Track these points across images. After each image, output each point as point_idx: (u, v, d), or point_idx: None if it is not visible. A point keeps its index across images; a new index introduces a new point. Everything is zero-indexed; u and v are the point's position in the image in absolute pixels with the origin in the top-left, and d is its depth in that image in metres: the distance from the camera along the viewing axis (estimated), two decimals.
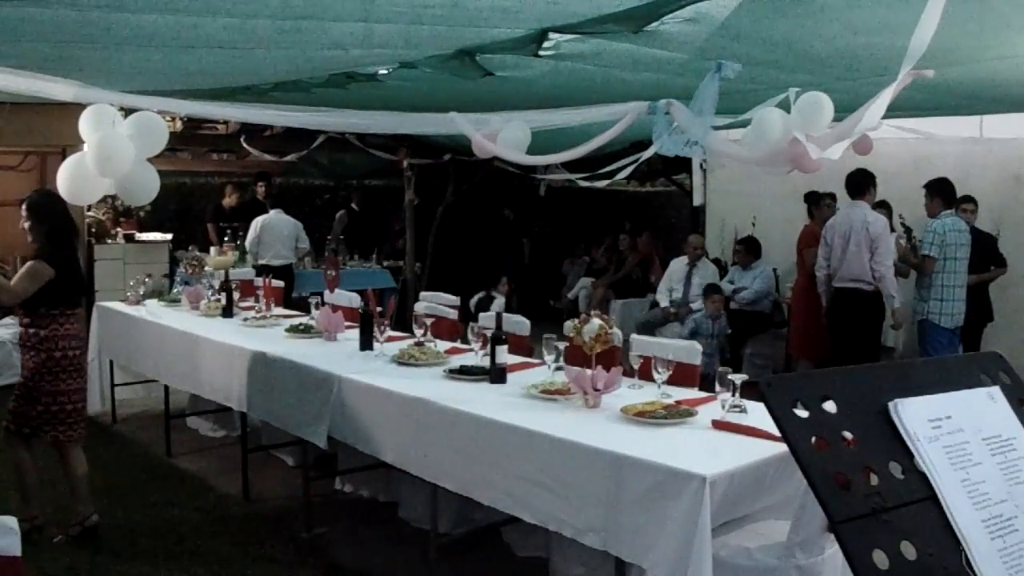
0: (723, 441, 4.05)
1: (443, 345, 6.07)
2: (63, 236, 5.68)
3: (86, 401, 5.82)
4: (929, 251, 8.06)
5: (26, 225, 5.65)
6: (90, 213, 12.43)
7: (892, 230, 8.66)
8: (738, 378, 4.44)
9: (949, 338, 8.12)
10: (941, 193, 8.20)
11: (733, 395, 4.42)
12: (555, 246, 16.54)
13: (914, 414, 1.98)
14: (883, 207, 8.96)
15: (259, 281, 8.57)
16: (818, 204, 9.52)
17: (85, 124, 5.62)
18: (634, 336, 5.63)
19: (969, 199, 8.68)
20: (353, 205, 14.27)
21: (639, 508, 3.70)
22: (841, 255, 8.13)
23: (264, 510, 6.26)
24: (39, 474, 5.82)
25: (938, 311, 8.05)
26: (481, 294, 10.79)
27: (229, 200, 12.88)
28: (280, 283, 9.00)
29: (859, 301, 8.07)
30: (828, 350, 8.50)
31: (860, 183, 8.14)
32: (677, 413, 4.34)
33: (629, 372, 5.01)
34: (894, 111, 4.10)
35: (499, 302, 10.94)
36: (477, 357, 5.47)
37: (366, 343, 6.08)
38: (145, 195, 6.08)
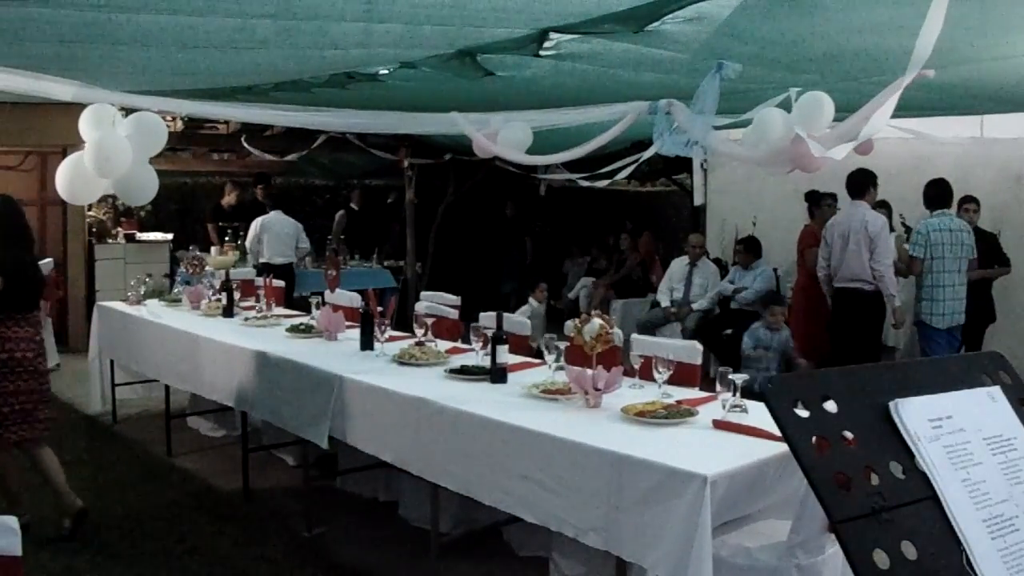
0: (724, 441, 4.05)
1: (444, 345, 6.06)
2: (17, 242, 5.65)
3: (45, 402, 5.74)
4: (913, 251, 8.07)
5: None
6: (91, 213, 12.48)
7: (892, 230, 8.67)
8: (739, 378, 4.44)
9: (946, 339, 8.09)
10: (928, 195, 8.20)
11: (734, 395, 4.41)
12: (556, 246, 16.54)
13: (915, 414, 1.98)
14: (883, 207, 8.96)
15: (260, 281, 8.57)
16: (819, 204, 9.52)
17: (85, 124, 5.62)
18: (635, 336, 5.63)
19: (971, 199, 8.68)
20: (352, 205, 14.26)
21: (640, 508, 3.70)
22: (841, 255, 8.14)
23: (265, 509, 6.26)
24: (28, 475, 5.81)
25: (930, 311, 8.03)
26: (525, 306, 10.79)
27: (228, 199, 12.89)
28: (281, 283, 9.01)
29: (860, 301, 8.07)
30: (829, 350, 8.51)
31: (860, 183, 8.15)
32: (678, 413, 4.34)
33: (630, 372, 5.01)
34: (896, 111, 4.09)
35: (527, 309, 10.68)
36: (478, 357, 5.47)
37: (367, 343, 6.08)
38: (143, 195, 6.09)
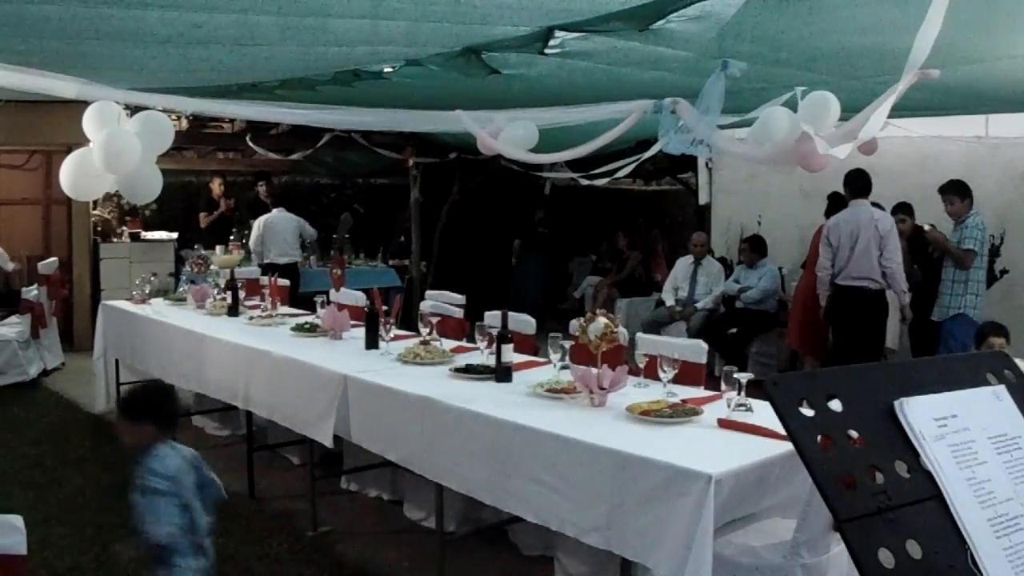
0: (729, 440, 4.05)
1: (449, 344, 6.06)
2: None
3: None
4: (973, 246, 8.06)
5: None
6: (96, 212, 12.49)
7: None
8: (744, 377, 4.44)
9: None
10: (970, 194, 8.18)
11: (739, 394, 4.41)
12: (560, 245, 16.52)
13: (920, 413, 1.98)
14: (903, 210, 8.89)
15: (264, 280, 8.57)
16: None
17: (89, 122, 5.63)
18: (640, 335, 5.63)
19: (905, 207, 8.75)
20: (357, 206, 14.24)
21: (644, 507, 3.70)
22: (848, 254, 8.11)
23: (269, 508, 6.27)
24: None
25: (974, 305, 8.07)
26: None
27: (216, 190, 12.94)
28: (286, 282, 9.00)
29: (864, 299, 8.06)
30: (832, 349, 8.50)
31: (864, 182, 8.15)
32: (683, 412, 4.34)
33: (635, 371, 5.01)
34: (900, 111, 4.09)
35: None
36: (483, 356, 5.47)
37: (372, 342, 6.08)
38: (148, 193, 6.10)
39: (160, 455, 3.82)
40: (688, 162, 11.78)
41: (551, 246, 15.49)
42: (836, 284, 8.25)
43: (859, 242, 8.03)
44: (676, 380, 4.80)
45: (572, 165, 8.88)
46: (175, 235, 13.03)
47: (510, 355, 5.17)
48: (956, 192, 8.19)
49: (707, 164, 10.04)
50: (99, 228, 12.56)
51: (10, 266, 10.43)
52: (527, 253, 15.18)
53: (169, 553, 3.71)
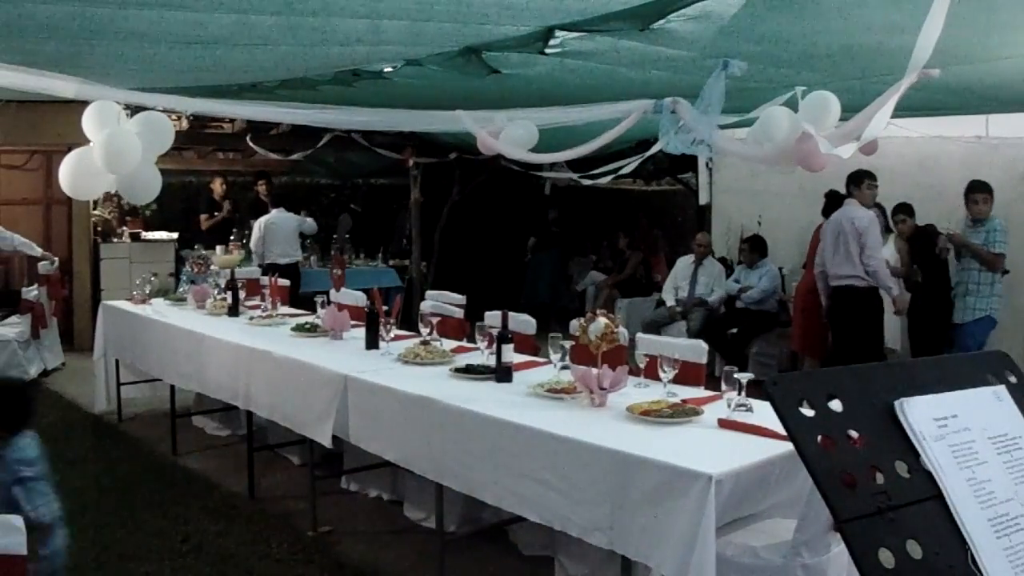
0: (729, 440, 4.04)
1: (449, 344, 6.06)
2: None
3: None
4: (1003, 249, 8.07)
5: None
6: (96, 212, 12.48)
7: (889, 230, 8.69)
8: (744, 377, 4.43)
9: None
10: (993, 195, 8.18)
11: (739, 394, 4.41)
12: (570, 245, 16.53)
13: (920, 413, 1.97)
14: (903, 210, 8.89)
15: (265, 280, 8.57)
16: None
17: (89, 122, 5.63)
18: (640, 335, 5.63)
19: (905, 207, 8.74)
20: (354, 206, 14.23)
21: (646, 507, 3.70)
22: (832, 252, 8.16)
23: (270, 509, 6.26)
24: None
25: (999, 307, 8.08)
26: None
27: (218, 190, 12.96)
28: (286, 282, 9.00)
29: (854, 297, 8.08)
30: (832, 349, 8.51)
31: (848, 182, 8.19)
32: (683, 412, 4.33)
33: (635, 371, 5.00)
34: (900, 111, 4.08)
35: None
36: (483, 356, 5.46)
37: (372, 342, 6.07)
38: (148, 194, 6.10)
39: (21, 445, 4.01)
40: (688, 162, 11.76)
41: (563, 246, 15.55)
42: (831, 285, 8.28)
43: (840, 240, 8.08)
44: (676, 380, 4.79)
45: (572, 165, 8.87)
46: (175, 235, 13.02)
47: (510, 355, 5.17)
48: (989, 191, 8.17)
49: (707, 164, 10.03)
50: (99, 228, 12.55)
51: (37, 251, 10.43)
52: (540, 253, 15.29)
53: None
